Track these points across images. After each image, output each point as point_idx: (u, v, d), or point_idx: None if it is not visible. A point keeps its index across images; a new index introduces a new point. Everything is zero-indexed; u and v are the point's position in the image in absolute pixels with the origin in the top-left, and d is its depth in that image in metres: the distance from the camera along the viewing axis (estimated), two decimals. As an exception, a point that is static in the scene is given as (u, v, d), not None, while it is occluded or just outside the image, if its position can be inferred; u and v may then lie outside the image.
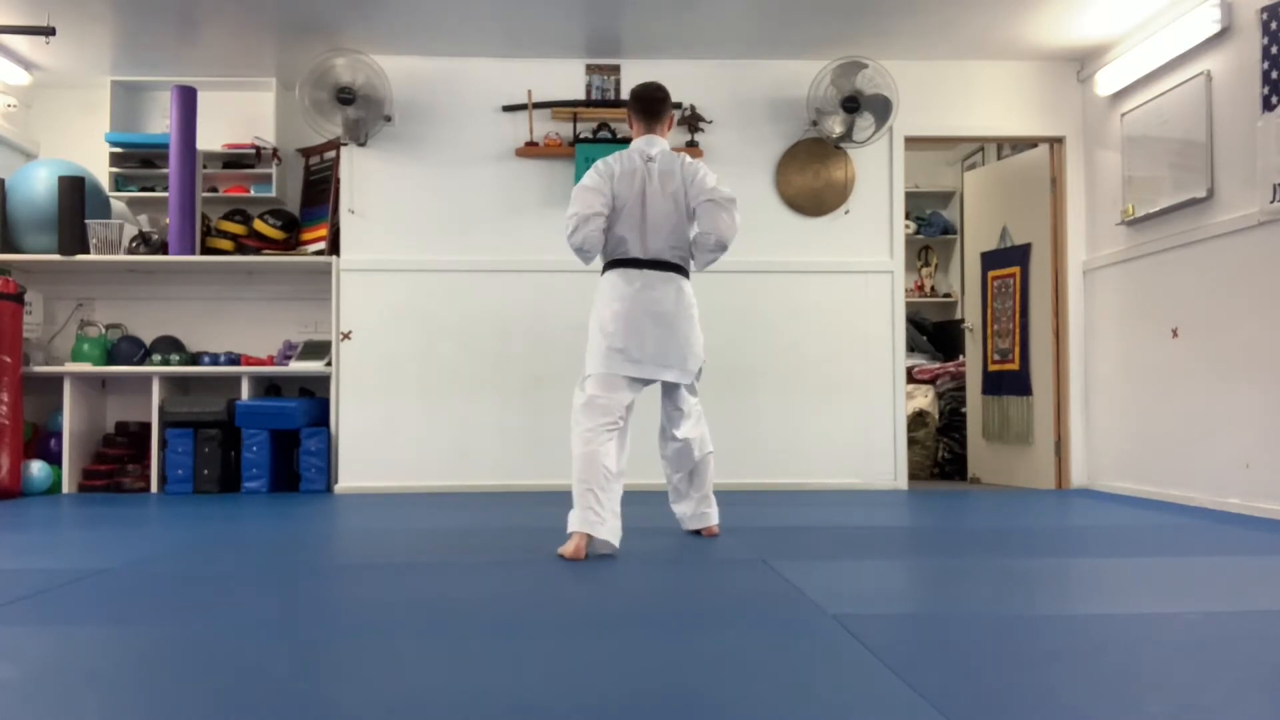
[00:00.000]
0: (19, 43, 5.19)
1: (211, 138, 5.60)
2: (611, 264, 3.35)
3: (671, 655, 1.93)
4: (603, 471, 3.10)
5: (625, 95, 5.47)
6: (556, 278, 5.34)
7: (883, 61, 5.33)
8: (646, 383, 3.33)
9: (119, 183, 5.71)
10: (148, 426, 5.50)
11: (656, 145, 3.40)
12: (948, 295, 7.54)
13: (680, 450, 3.48)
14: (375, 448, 5.41)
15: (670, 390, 3.43)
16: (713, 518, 3.60)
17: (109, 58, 5.49)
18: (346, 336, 5.45)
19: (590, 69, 5.56)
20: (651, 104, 3.45)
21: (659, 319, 3.27)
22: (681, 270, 3.37)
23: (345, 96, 5.22)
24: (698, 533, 3.60)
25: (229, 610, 2.41)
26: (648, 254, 3.29)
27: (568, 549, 3.07)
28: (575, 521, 3.09)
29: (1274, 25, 4.01)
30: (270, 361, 5.60)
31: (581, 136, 5.44)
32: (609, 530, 3.09)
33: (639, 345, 3.24)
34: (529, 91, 5.46)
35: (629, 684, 1.74)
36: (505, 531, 3.83)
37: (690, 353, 3.34)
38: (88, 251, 5.38)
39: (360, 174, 5.50)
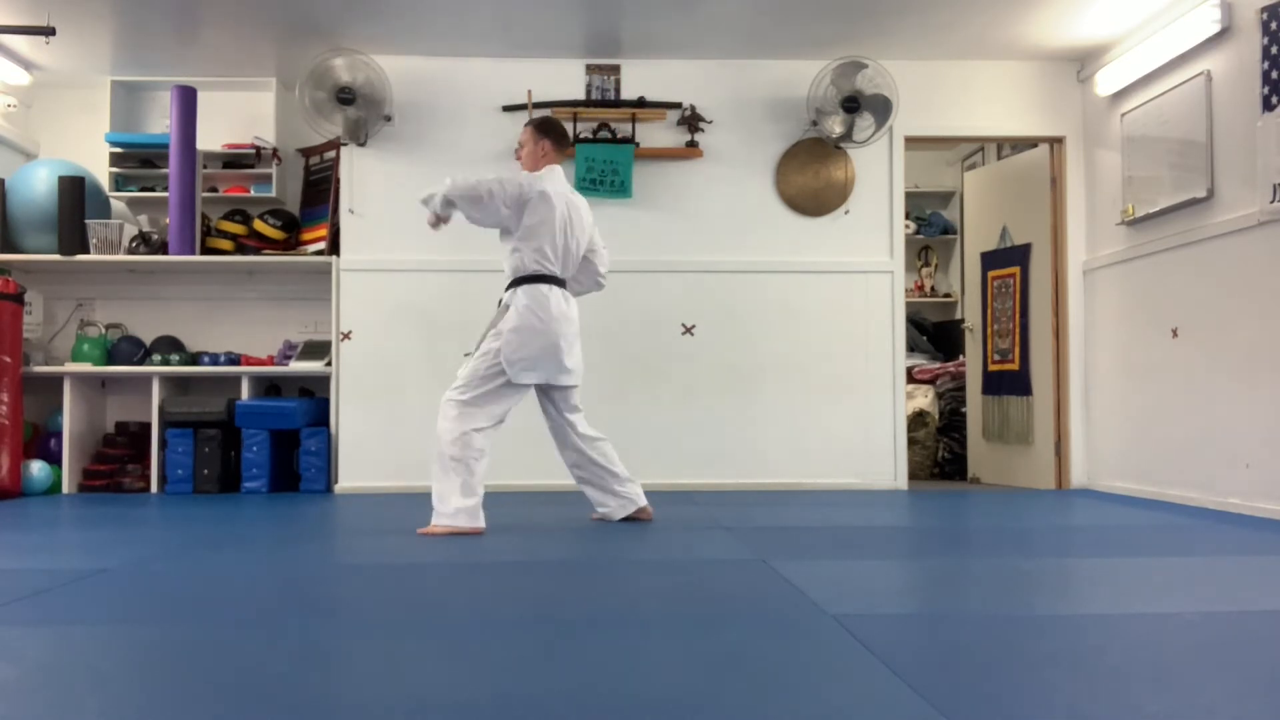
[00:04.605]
0: (19, 43, 5.19)
1: (211, 138, 5.60)
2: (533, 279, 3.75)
3: (672, 655, 1.93)
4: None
5: (625, 95, 5.52)
6: (556, 278, 5.33)
7: (883, 61, 5.33)
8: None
9: (119, 183, 5.71)
10: (148, 426, 5.50)
11: (562, 177, 3.86)
12: (948, 295, 7.54)
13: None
14: (375, 448, 5.41)
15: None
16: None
17: (109, 58, 5.49)
18: (346, 336, 5.45)
19: (590, 69, 5.56)
20: (565, 136, 3.93)
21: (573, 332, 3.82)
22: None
23: (345, 96, 5.22)
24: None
25: (229, 610, 2.41)
26: (563, 274, 3.81)
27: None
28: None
29: (1274, 25, 4.01)
30: (270, 361, 5.60)
31: (582, 136, 5.44)
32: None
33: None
34: (529, 91, 5.46)
35: (629, 684, 1.74)
36: (504, 531, 3.83)
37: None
38: (88, 251, 5.38)
39: (360, 174, 5.50)
